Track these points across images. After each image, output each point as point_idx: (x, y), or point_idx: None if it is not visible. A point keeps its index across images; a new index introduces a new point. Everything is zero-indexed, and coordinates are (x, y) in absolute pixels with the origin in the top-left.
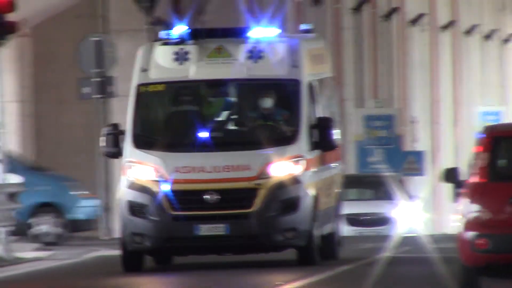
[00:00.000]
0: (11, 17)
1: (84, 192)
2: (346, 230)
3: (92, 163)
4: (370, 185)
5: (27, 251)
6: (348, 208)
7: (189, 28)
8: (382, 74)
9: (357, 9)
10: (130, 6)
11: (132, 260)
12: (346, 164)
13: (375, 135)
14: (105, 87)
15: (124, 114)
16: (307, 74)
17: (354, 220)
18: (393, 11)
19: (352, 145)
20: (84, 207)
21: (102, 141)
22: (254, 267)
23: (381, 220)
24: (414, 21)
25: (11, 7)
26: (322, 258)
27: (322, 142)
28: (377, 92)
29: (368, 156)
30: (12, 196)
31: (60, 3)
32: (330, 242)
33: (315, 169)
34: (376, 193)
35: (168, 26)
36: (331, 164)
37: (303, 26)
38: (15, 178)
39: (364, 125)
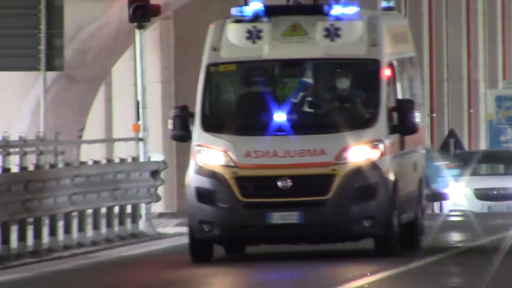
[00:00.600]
0: (155, 0)
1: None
2: (475, 204)
3: None
4: (503, 160)
5: (170, 227)
6: (478, 183)
7: (263, 5)
8: None
9: None
10: None
11: (201, 250)
12: (478, 143)
13: (506, 115)
14: None
15: None
16: (387, 53)
17: (484, 194)
18: None
19: (484, 125)
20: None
21: (170, 124)
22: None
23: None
24: None
25: None
26: (403, 248)
27: (402, 126)
28: (509, 73)
29: (499, 135)
30: (154, 174)
31: None
32: (412, 231)
33: (394, 154)
34: (508, 169)
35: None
36: (413, 149)
37: (384, 3)
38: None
39: (496, 105)
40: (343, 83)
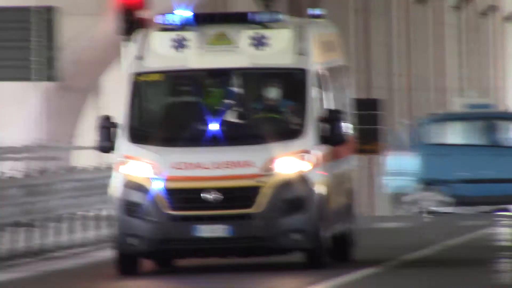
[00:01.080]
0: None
1: None
2: None
3: None
4: None
5: None
6: None
7: (188, 13)
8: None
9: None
10: None
11: (128, 263)
12: None
13: None
14: None
15: None
16: (315, 62)
17: None
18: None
19: None
20: None
21: (95, 135)
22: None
23: None
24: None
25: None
26: (334, 260)
27: (331, 136)
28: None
29: None
30: None
31: None
32: (343, 243)
33: (324, 165)
34: None
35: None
36: (343, 159)
37: (311, 11)
38: None
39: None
40: (270, 93)
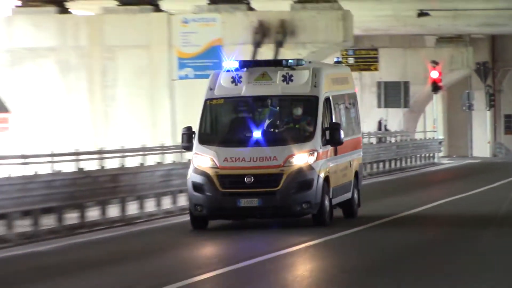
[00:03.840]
0: None
1: None
2: None
3: None
4: None
5: None
6: None
7: (239, 61)
8: None
9: None
10: None
11: (198, 222)
12: None
13: None
14: None
15: None
16: (325, 91)
17: None
18: None
19: None
20: None
21: (181, 139)
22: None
23: None
24: None
25: None
26: (346, 216)
27: (331, 140)
28: None
29: None
30: None
31: None
32: (350, 205)
33: (327, 159)
34: None
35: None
36: (347, 153)
37: (335, 59)
38: None
39: None
40: (295, 111)
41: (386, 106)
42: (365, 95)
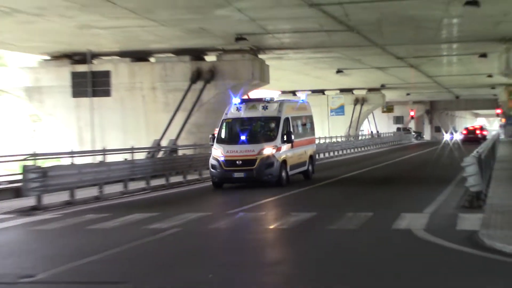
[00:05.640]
0: None
1: None
2: None
3: None
4: None
5: None
6: None
7: (241, 99)
8: None
9: None
10: None
11: (216, 185)
12: None
13: None
14: None
15: None
16: (286, 114)
17: None
18: None
19: None
20: None
21: (210, 140)
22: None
23: None
24: None
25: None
26: (305, 179)
27: (287, 140)
28: None
29: None
30: None
31: None
32: (307, 173)
33: (284, 151)
34: None
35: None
36: (302, 146)
37: (301, 99)
38: None
39: None
40: (268, 125)
41: None
42: None
